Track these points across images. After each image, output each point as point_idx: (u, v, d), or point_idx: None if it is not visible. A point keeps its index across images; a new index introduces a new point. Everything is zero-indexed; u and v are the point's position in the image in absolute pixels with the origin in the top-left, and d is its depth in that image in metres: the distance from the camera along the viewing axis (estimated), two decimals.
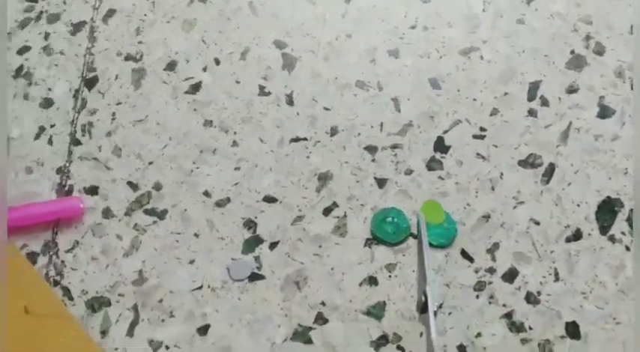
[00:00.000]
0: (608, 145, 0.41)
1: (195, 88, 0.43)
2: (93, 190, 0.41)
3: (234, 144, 0.42)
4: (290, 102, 0.43)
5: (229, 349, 0.37)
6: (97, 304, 0.39)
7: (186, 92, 0.43)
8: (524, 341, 0.37)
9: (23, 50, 0.46)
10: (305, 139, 0.42)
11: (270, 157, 0.41)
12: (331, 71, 0.43)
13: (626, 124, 0.41)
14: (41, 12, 0.47)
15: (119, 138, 0.42)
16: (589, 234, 0.39)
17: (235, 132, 0.42)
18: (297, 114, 0.42)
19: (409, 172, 0.41)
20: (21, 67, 0.45)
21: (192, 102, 0.43)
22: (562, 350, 0.36)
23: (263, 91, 0.43)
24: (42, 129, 0.43)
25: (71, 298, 0.39)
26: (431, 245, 0.39)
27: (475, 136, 0.41)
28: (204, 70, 0.44)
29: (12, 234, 0.40)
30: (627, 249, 0.38)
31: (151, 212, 0.40)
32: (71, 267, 0.39)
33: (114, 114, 0.43)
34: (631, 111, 0.41)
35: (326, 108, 0.42)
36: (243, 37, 0.45)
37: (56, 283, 0.39)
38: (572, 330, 0.37)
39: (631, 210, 0.39)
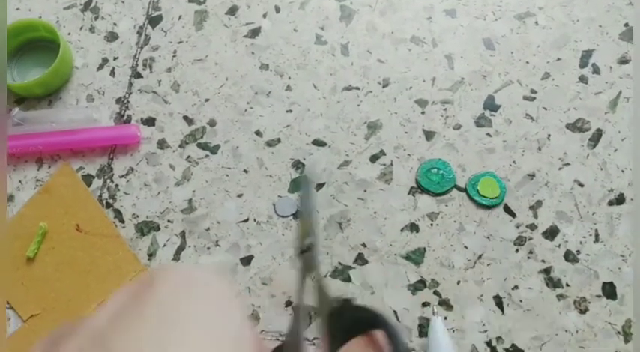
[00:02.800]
0: None
1: (255, 32, 0.43)
2: (150, 121, 0.41)
3: (288, 88, 0.41)
4: (345, 52, 0.42)
5: (270, 280, 0.37)
6: (146, 228, 0.38)
7: (245, 36, 0.43)
8: (560, 296, 0.36)
9: None
10: (357, 88, 0.41)
11: (322, 103, 0.41)
12: (387, 26, 0.43)
13: None
14: None
15: (178, 74, 0.42)
16: (631, 200, 0.38)
17: (290, 77, 0.42)
18: (352, 64, 0.42)
19: (457, 127, 0.40)
20: (89, 2, 0.45)
21: (250, 46, 0.43)
22: (597, 308, 0.36)
23: (320, 40, 0.43)
24: (105, 60, 0.43)
25: (122, 220, 0.39)
26: (475, 201, 0.38)
27: (525, 97, 0.40)
28: (264, 16, 0.44)
29: (70, 156, 0.40)
30: None
31: (204, 146, 0.40)
32: (124, 192, 0.39)
33: (175, 51, 0.43)
34: None
35: (380, 61, 0.42)
36: None
37: (109, 205, 0.39)
38: (609, 290, 0.36)
39: None
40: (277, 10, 0.44)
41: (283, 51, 0.42)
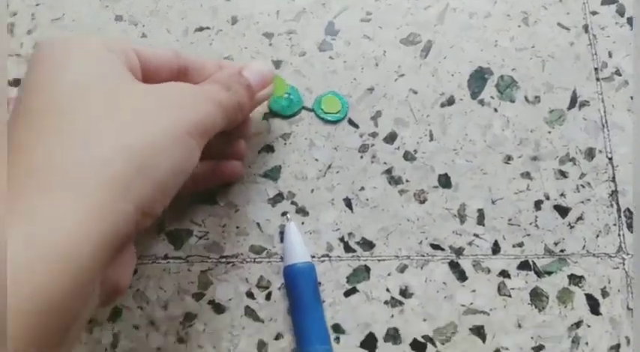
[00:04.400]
0: (481, 22, 0.43)
1: None
2: (17, 83, 0.43)
3: (144, 35, 0.43)
4: None
5: None
6: None
7: None
8: (401, 192, 0.39)
9: None
10: (208, 28, 0.43)
11: (177, 46, 0.43)
12: None
13: (497, 3, 0.43)
14: None
15: (38, 35, 0.44)
16: (461, 100, 0.41)
17: (144, 25, 0.44)
18: (201, 5, 0.44)
19: (302, 54, 0.42)
20: None
21: (103, 0, 0.44)
22: (435, 198, 0.39)
23: None
24: None
25: None
26: (321, 118, 0.41)
27: (362, 20, 0.43)
28: None
29: None
30: (495, 110, 0.41)
31: None
32: None
33: (33, 14, 0.44)
34: None
35: (227, 0, 0.44)
36: None
37: None
38: (444, 181, 0.39)
39: (500, 77, 0.41)
40: None
41: (135, 1, 0.44)
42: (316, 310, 0.35)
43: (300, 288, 0.35)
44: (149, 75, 0.30)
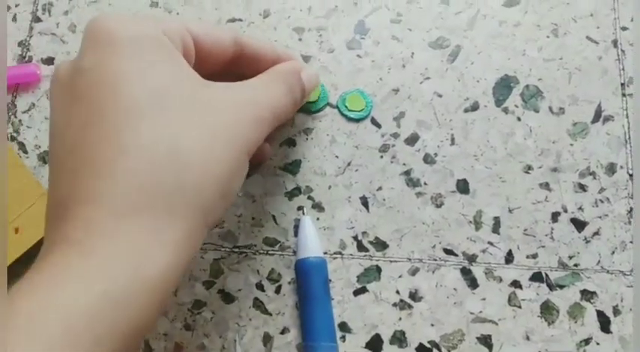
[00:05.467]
0: (510, 30, 0.42)
1: None
2: (49, 61, 0.43)
3: None
4: None
5: None
6: (47, 156, 0.41)
7: None
8: (419, 194, 0.39)
9: None
10: (240, 20, 0.43)
11: None
12: None
13: (528, 13, 0.42)
14: None
15: (75, 16, 0.44)
16: (485, 106, 0.40)
17: (178, 13, 0.44)
18: None
19: (331, 51, 0.42)
20: None
21: None
22: (452, 203, 0.39)
23: None
24: (8, 8, 0.45)
25: (25, 151, 0.41)
26: (345, 116, 0.40)
27: (392, 20, 0.43)
28: None
29: None
30: (518, 119, 0.40)
31: None
32: (27, 126, 0.42)
33: None
34: (535, 1, 0.42)
35: None
36: None
37: (13, 139, 0.41)
38: (463, 186, 0.39)
39: (526, 86, 0.41)
40: None
41: None
42: (325, 306, 0.35)
43: (310, 282, 0.35)
44: (201, 56, 0.28)
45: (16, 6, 0.44)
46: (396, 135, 0.40)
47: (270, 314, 0.37)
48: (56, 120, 0.23)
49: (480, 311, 0.36)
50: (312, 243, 0.36)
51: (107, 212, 0.20)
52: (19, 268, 0.36)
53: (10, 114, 0.42)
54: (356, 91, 0.40)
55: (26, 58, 0.43)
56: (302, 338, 0.35)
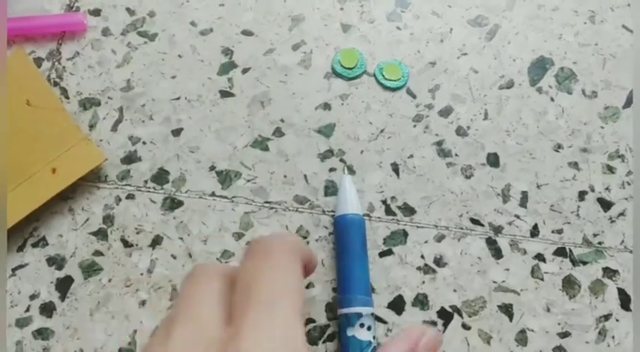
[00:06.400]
0: (548, 14, 0.43)
1: None
2: (96, 12, 0.44)
3: None
4: None
5: (198, 149, 0.40)
6: (88, 103, 0.41)
7: None
8: (449, 164, 0.39)
9: None
10: None
11: None
12: None
13: None
14: None
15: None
16: (520, 85, 0.41)
17: None
18: None
19: (371, 21, 0.43)
20: None
21: None
22: (481, 175, 0.39)
23: None
24: None
25: (67, 97, 0.42)
26: (381, 84, 0.41)
27: None
28: None
29: (22, 41, 0.43)
30: (552, 99, 0.40)
31: (143, 34, 0.43)
32: (70, 72, 0.42)
33: None
34: None
35: None
36: None
37: (56, 84, 0.42)
38: (493, 160, 0.39)
39: (561, 68, 0.41)
40: None
41: None
42: (362, 261, 0.35)
43: (350, 238, 0.35)
44: None
45: None
46: (430, 107, 0.40)
47: None
48: None
49: (503, 281, 0.37)
50: (354, 200, 0.36)
51: None
52: (53, 205, 0.37)
53: (54, 60, 0.42)
54: (394, 62, 0.41)
55: (73, 9, 0.44)
56: (338, 291, 0.36)
